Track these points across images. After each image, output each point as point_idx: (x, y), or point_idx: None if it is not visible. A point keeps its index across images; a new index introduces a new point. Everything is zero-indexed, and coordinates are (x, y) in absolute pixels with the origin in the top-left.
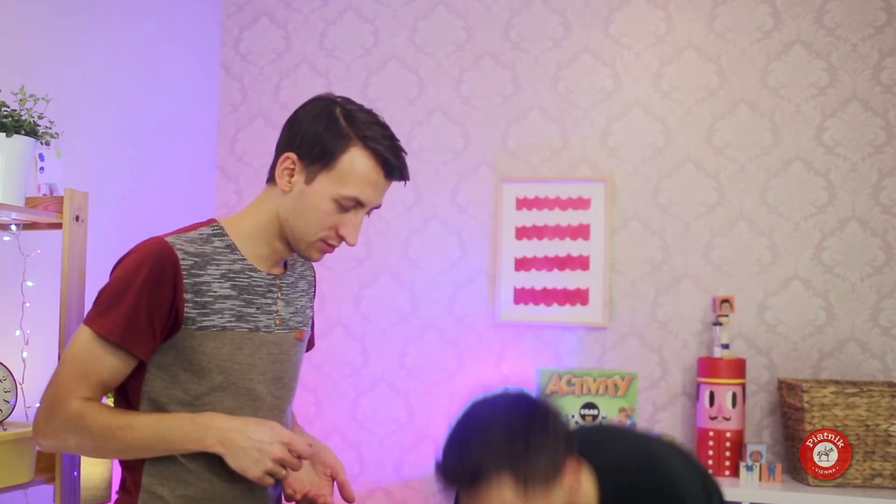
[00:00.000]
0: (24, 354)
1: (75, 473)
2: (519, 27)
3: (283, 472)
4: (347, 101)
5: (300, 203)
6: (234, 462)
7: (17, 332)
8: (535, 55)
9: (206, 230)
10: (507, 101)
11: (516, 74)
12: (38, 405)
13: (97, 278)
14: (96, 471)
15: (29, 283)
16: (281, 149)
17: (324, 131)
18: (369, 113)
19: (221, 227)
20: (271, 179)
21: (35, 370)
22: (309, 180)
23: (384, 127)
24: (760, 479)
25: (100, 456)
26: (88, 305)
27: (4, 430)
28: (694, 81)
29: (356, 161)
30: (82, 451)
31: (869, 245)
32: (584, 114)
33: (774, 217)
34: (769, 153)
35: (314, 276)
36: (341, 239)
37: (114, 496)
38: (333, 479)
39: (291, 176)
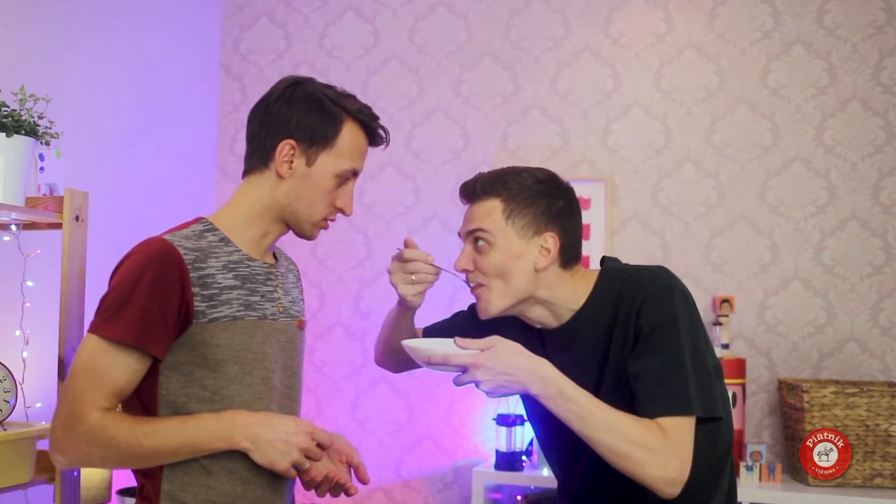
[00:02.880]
0: (24, 354)
1: (75, 473)
2: (519, 27)
3: (307, 463)
4: (311, 80)
5: (304, 185)
6: (261, 456)
7: (17, 332)
8: (535, 55)
9: (197, 227)
10: (507, 101)
11: (516, 74)
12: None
13: (97, 278)
14: (96, 471)
15: (29, 283)
16: (263, 139)
17: (317, 114)
18: (339, 89)
19: (211, 223)
20: (252, 171)
21: (35, 370)
22: (311, 162)
23: (356, 98)
24: (760, 479)
25: (124, 466)
26: (88, 305)
27: (4, 430)
28: (694, 81)
29: (350, 135)
30: (106, 464)
31: (869, 245)
32: (584, 114)
33: (774, 217)
34: (769, 153)
35: (298, 271)
36: (339, 211)
37: (114, 497)
38: (348, 464)
39: (291, 162)
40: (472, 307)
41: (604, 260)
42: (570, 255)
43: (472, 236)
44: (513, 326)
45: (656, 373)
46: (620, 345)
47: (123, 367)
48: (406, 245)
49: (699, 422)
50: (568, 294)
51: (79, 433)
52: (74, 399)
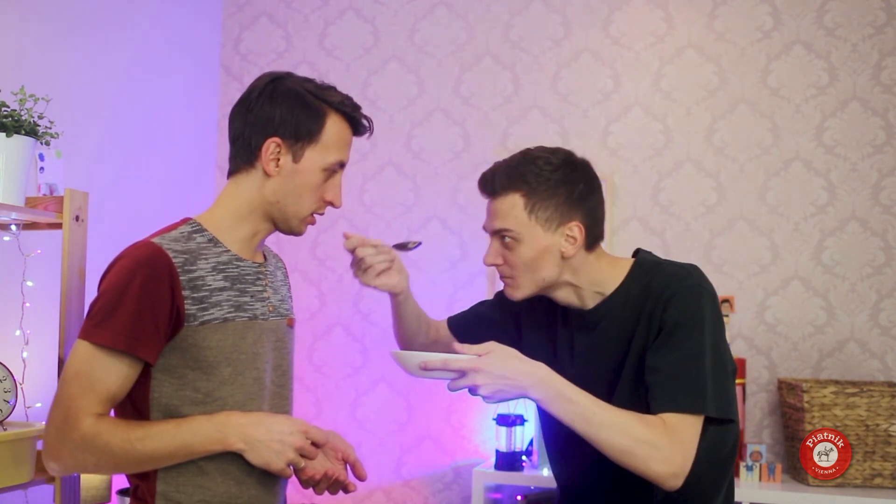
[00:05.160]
0: (24, 354)
1: (75, 473)
2: (519, 27)
3: (303, 462)
4: (290, 74)
5: (292, 182)
6: (256, 457)
7: (17, 332)
8: (535, 55)
9: (186, 228)
10: (507, 101)
11: (516, 74)
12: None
13: (97, 278)
14: None
15: (29, 283)
16: (248, 138)
17: (300, 110)
18: (319, 82)
19: (199, 224)
20: (238, 170)
21: (35, 370)
22: (297, 158)
23: (337, 90)
24: (760, 479)
25: (119, 471)
26: (88, 305)
27: (4, 430)
28: (694, 81)
29: (335, 128)
30: (101, 470)
31: (869, 245)
32: (584, 114)
33: (774, 217)
34: (769, 153)
35: (286, 269)
36: (328, 205)
37: (114, 497)
38: (345, 461)
39: (278, 159)
40: (498, 294)
41: (637, 252)
42: (594, 236)
43: (498, 235)
44: (538, 307)
45: (674, 368)
46: (644, 335)
47: (115, 373)
48: (345, 238)
49: (711, 422)
50: (594, 277)
51: (73, 440)
52: (67, 406)
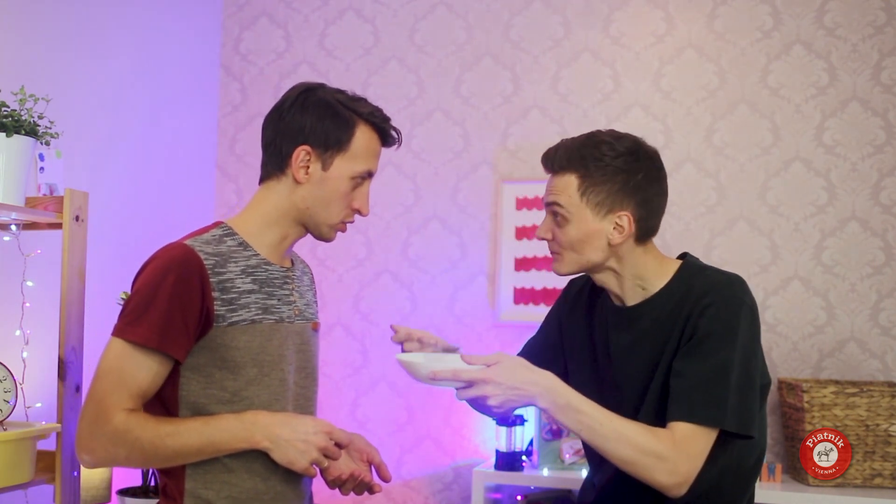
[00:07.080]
0: (24, 354)
1: (75, 473)
2: (519, 27)
3: (326, 462)
4: (323, 86)
5: (321, 190)
6: (280, 456)
7: (17, 332)
8: (535, 55)
9: (217, 231)
10: (507, 101)
11: (516, 74)
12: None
13: (97, 278)
14: (96, 471)
15: (29, 283)
16: (279, 146)
17: (330, 120)
18: (350, 93)
19: (230, 228)
20: (269, 177)
21: (35, 370)
22: (326, 167)
23: (367, 101)
24: (760, 479)
25: (148, 465)
26: (88, 305)
27: (4, 430)
28: (694, 81)
29: (364, 138)
30: (131, 463)
31: (869, 245)
32: (584, 114)
33: (774, 217)
34: (769, 153)
35: (312, 274)
36: (356, 212)
37: (114, 497)
38: (369, 463)
39: (307, 167)
40: (544, 320)
41: (684, 255)
42: (647, 228)
43: (550, 209)
44: (578, 311)
45: (697, 378)
46: (678, 337)
47: (146, 369)
48: (394, 332)
49: (733, 436)
50: (638, 270)
51: (105, 434)
52: (100, 401)
